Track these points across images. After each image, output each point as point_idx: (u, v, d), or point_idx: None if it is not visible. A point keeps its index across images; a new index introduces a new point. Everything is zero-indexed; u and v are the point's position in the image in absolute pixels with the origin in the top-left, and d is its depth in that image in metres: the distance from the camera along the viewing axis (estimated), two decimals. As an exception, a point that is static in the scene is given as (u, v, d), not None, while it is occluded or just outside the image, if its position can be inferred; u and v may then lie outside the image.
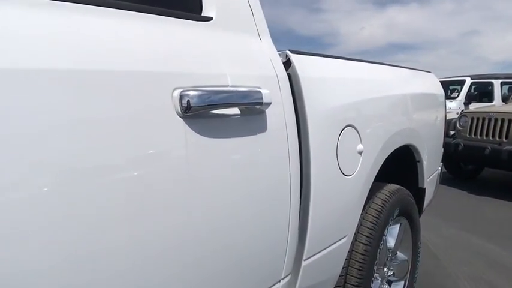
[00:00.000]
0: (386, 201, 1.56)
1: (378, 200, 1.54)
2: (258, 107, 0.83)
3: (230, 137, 0.79)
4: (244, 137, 0.82)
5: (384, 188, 1.63)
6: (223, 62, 0.82)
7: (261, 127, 0.86)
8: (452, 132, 5.20)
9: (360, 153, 1.27)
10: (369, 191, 1.46)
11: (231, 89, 0.79)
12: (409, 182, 1.98)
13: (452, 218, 3.64)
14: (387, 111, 1.51)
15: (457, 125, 5.09)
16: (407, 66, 2.05)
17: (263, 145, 0.87)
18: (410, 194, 1.80)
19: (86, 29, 0.62)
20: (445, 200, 4.08)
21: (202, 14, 0.85)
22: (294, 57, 1.06)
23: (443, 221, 3.52)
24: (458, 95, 7.69)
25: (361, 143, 1.28)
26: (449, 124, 5.29)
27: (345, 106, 1.22)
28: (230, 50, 0.86)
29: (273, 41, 1.02)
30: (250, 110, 0.83)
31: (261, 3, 0.99)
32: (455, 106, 7.28)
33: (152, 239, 0.67)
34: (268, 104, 0.85)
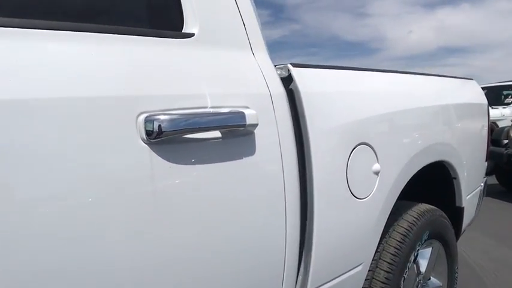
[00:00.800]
0: (413, 224, 1.43)
1: (403, 223, 1.41)
2: (241, 129, 0.76)
3: (209, 163, 0.73)
4: (226, 162, 0.75)
5: (412, 209, 1.49)
6: (202, 82, 0.75)
7: (248, 151, 0.79)
8: (505, 142, 4.80)
9: (377, 173, 1.16)
10: (394, 212, 1.35)
11: (208, 110, 0.73)
12: (446, 200, 1.81)
13: (503, 235, 3.32)
14: (412, 126, 1.38)
15: (511, 133, 4.70)
16: (443, 74, 1.89)
17: (250, 171, 0.79)
18: (443, 214, 1.64)
19: (39, 55, 0.58)
20: (495, 215, 3.76)
21: (183, 31, 0.79)
22: (295, 71, 0.98)
23: (492, 239, 3.22)
24: (512, 101, 7.15)
25: (377, 162, 1.16)
26: (501, 132, 4.90)
27: (357, 122, 1.11)
28: (212, 67, 0.79)
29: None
30: (233, 133, 0.76)
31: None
32: (509, 113, 6.74)
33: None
34: (254, 125, 0.77)
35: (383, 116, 1.22)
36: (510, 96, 7.28)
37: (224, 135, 0.75)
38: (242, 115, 0.74)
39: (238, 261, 0.78)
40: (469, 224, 2.05)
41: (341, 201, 1.04)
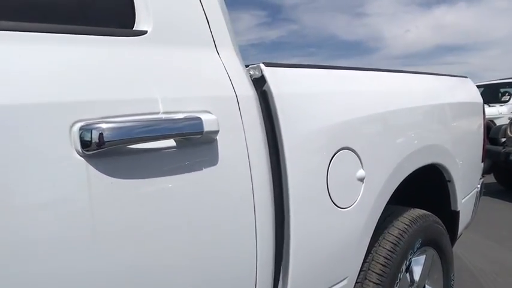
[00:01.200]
0: (405, 231, 1.34)
1: (394, 230, 1.33)
2: (198, 136, 0.67)
3: (160, 177, 0.64)
4: (182, 175, 0.67)
5: (403, 215, 1.40)
6: (154, 84, 0.67)
7: (208, 162, 0.70)
8: (503, 140, 4.72)
9: (361, 180, 1.08)
10: (384, 219, 1.27)
11: (160, 116, 0.64)
12: (440, 204, 1.73)
13: (502, 236, 3.23)
14: (400, 128, 1.29)
15: (508, 131, 4.62)
16: (436, 72, 1.81)
17: (211, 184, 0.70)
18: (437, 220, 1.55)
19: None
20: (494, 215, 3.68)
21: (134, 28, 0.70)
22: (267, 72, 0.90)
23: (491, 240, 3.14)
24: (510, 99, 7.04)
25: (362, 168, 1.08)
26: (498, 131, 4.83)
27: (338, 125, 1.02)
28: (166, 68, 0.71)
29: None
30: (189, 141, 0.68)
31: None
32: (506, 111, 6.66)
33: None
34: (215, 132, 0.69)
35: (367, 117, 1.13)
36: (507, 94, 7.20)
37: (179, 144, 0.67)
38: (199, 121, 0.66)
39: (199, 286, 0.70)
40: (466, 228, 1.97)
41: (321, 212, 0.96)
